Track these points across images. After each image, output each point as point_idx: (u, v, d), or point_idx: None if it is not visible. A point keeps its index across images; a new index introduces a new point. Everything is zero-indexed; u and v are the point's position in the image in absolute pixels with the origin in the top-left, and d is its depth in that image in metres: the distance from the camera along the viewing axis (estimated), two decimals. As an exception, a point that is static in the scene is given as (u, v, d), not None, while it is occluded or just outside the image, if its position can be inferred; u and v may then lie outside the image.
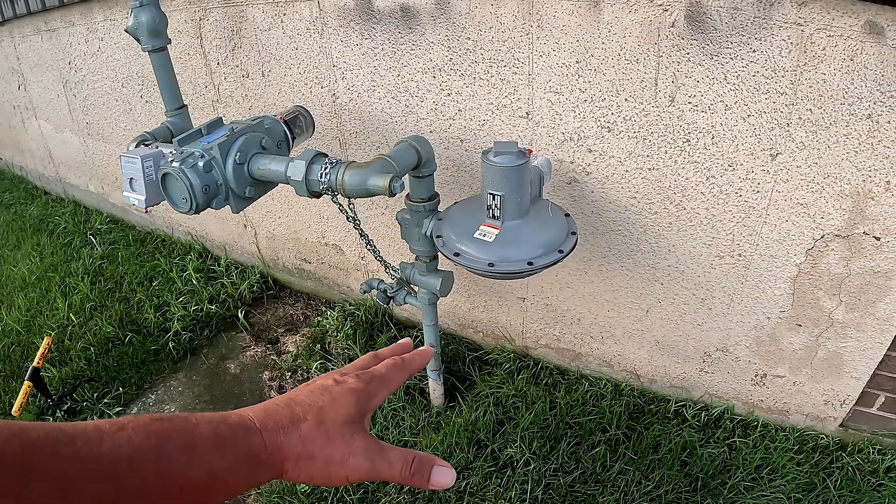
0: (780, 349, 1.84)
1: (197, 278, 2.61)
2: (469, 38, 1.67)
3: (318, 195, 1.52)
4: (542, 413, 1.95)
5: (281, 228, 2.47)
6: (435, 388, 2.01)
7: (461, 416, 1.95)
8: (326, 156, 1.54)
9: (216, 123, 1.71)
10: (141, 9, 1.68)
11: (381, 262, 1.71)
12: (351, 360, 2.28)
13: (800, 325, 1.77)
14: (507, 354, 2.15)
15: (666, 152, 1.62)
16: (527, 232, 1.47)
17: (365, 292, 1.83)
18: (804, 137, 1.49)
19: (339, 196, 1.49)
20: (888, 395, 1.86)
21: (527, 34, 1.60)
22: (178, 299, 2.56)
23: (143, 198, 1.62)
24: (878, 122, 1.41)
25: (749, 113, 1.50)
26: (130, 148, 1.72)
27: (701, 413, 1.98)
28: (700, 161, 1.60)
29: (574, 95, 1.63)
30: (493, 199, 1.46)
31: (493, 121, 1.76)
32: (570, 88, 1.62)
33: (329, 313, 2.44)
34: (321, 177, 1.47)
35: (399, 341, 0.64)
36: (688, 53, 1.48)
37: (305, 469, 0.47)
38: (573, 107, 1.64)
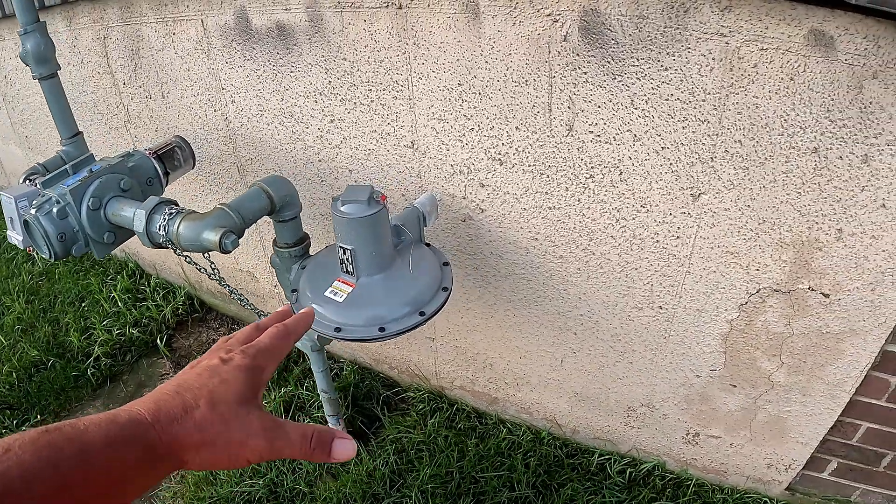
0: (713, 409, 1.43)
1: (125, 299, 2.28)
2: (345, 59, 1.28)
3: (163, 247, 1.16)
4: (446, 464, 1.57)
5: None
6: (337, 435, 1.64)
7: (360, 465, 1.59)
8: (172, 204, 1.17)
9: (85, 161, 1.36)
10: (27, 35, 1.32)
11: (252, 310, 1.34)
12: (267, 391, 1.93)
13: (734, 386, 1.36)
14: (423, 394, 1.77)
15: (567, 189, 1.21)
16: (384, 290, 1.09)
17: (257, 311, 1.47)
18: (732, 175, 1.07)
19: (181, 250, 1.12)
20: (841, 461, 1.44)
21: (403, 53, 1.20)
22: (103, 322, 2.23)
23: (21, 238, 1.30)
24: (826, 158, 0.99)
25: (663, 145, 1.09)
26: (19, 182, 1.40)
27: (628, 469, 1.58)
28: (608, 200, 1.19)
29: (459, 123, 1.23)
30: (345, 252, 1.07)
31: (378, 150, 1.37)
32: (455, 115, 1.22)
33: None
34: (160, 228, 1.11)
35: (278, 309, 0.57)
36: (585, 73, 1.07)
37: (206, 456, 0.41)
38: (460, 136, 1.24)
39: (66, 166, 1.25)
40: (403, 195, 1.40)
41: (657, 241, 1.21)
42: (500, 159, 1.23)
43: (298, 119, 1.44)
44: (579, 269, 1.31)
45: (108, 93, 1.88)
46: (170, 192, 2.00)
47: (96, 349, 2.14)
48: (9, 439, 0.36)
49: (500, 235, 1.33)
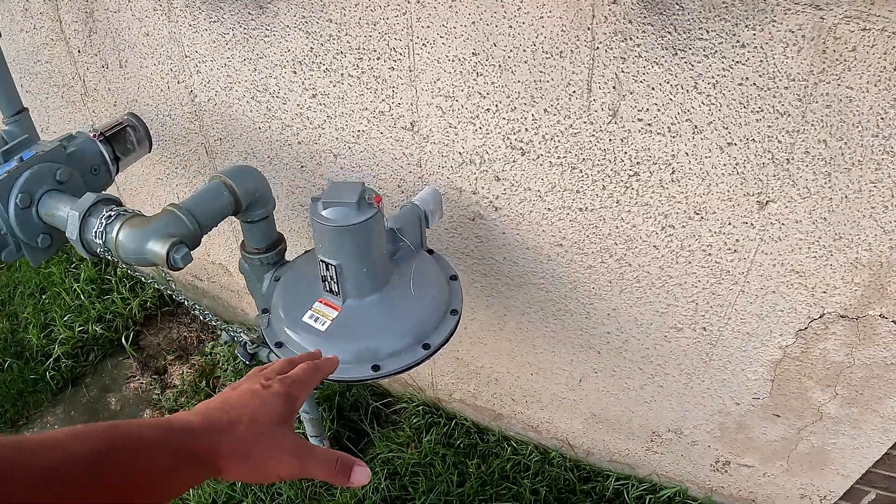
0: (750, 438, 1.24)
1: (88, 291, 2.02)
2: (331, 21, 1.02)
3: (104, 259, 0.92)
4: (445, 491, 1.38)
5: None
6: (320, 455, 1.44)
7: (347, 491, 1.39)
8: (112, 203, 0.93)
9: (20, 146, 1.10)
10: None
11: (217, 325, 1.11)
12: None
13: (778, 416, 1.18)
14: (417, 406, 1.56)
15: (604, 188, 0.98)
16: (378, 315, 0.86)
17: (226, 343, 1.25)
18: (810, 181, 0.86)
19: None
20: (881, 492, 1.28)
21: (404, 13, 0.95)
22: (64, 317, 1.98)
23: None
24: (927, 165, 0.78)
25: (730, 140, 0.86)
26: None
27: (647, 495, 1.40)
28: (654, 204, 0.97)
29: (473, 102, 0.98)
30: (328, 268, 0.84)
31: (370, 132, 1.12)
32: (467, 92, 0.98)
33: (224, 338, 1.87)
34: (96, 235, 0.87)
35: (311, 351, 0.64)
36: (638, 45, 0.84)
37: (241, 467, 0.45)
38: (472, 117, 1.00)
39: (-6, 155, 0.99)
40: (399, 187, 1.16)
41: (709, 254, 1.00)
42: (521, 148, 0.99)
43: (274, 93, 1.18)
44: (611, 282, 1.09)
45: (63, 62, 1.59)
46: (126, 178, 1.74)
47: (56, 348, 1.89)
48: (79, 427, 0.40)
49: (516, 239, 1.11)
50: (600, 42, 0.86)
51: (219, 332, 1.17)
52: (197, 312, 1.05)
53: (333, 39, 1.04)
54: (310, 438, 1.41)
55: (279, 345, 0.86)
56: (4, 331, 2.00)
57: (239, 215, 0.96)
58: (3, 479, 0.34)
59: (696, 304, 1.07)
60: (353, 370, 0.80)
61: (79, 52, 1.53)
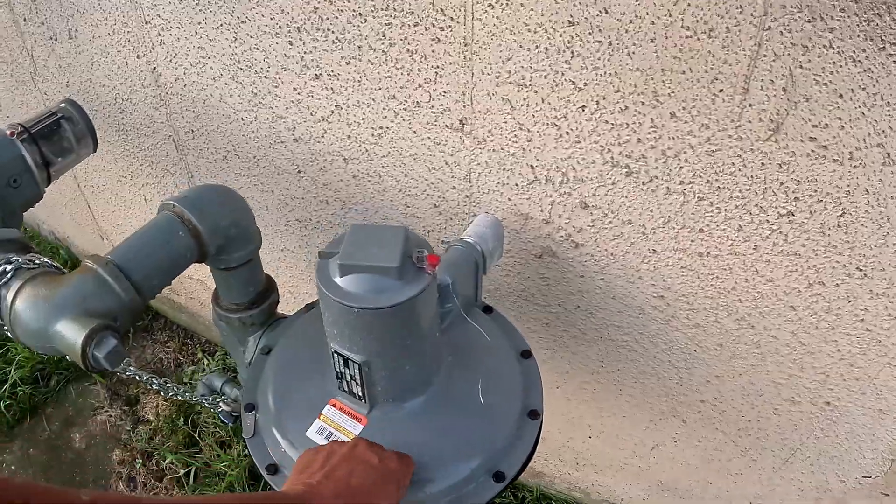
0: (851, 517, 1.00)
1: None
2: (348, -39, 0.69)
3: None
4: (476, 570, 1.11)
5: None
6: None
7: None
8: (14, 247, 0.62)
9: None
10: None
11: (172, 393, 0.80)
12: (221, 444, 1.41)
13: (886, 496, 0.95)
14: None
15: (740, 229, 0.68)
16: (426, 433, 0.57)
17: (202, 397, 0.94)
18: None
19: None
20: None
21: (463, -45, 0.62)
22: None
23: None
24: None
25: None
26: None
27: (712, 569, 1.15)
28: (804, 254, 0.68)
29: (560, 95, 0.66)
30: (347, 365, 0.53)
31: (398, 129, 0.80)
32: (553, 79, 0.66)
33: (205, 364, 1.55)
34: None
35: None
36: (830, 30, 0.54)
37: None
38: (557, 117, 0.68)
39: None
40: (436, 207, 0.85)
41: (862, 319, 0.72)
42: (627, 166, 0.68)
43: (262, 72, 0.85)
44: (720, 346, 0.81)
45: (9, 33, 1.22)
46: (86, 174, 1.39)
47: (13, 372, 1.57)
48: (213, 499, 0.44)
49: (598, 285, 0.81)
50: (775, 19, 0.55)
51: (185, 396, 0.86)
52: (173, 393, 0.74)
53: (351, -4, 0.71)
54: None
55: (272, 469, 0.56)
56: None
57: (207, 261, 0.65)
58: None
59: (827, 375, 0.80)
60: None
61: (24, 20, 1.17)
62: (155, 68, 1.01)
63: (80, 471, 1.46)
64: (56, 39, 1.14)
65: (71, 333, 0.53)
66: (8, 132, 0.86)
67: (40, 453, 1.51)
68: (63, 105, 0.94)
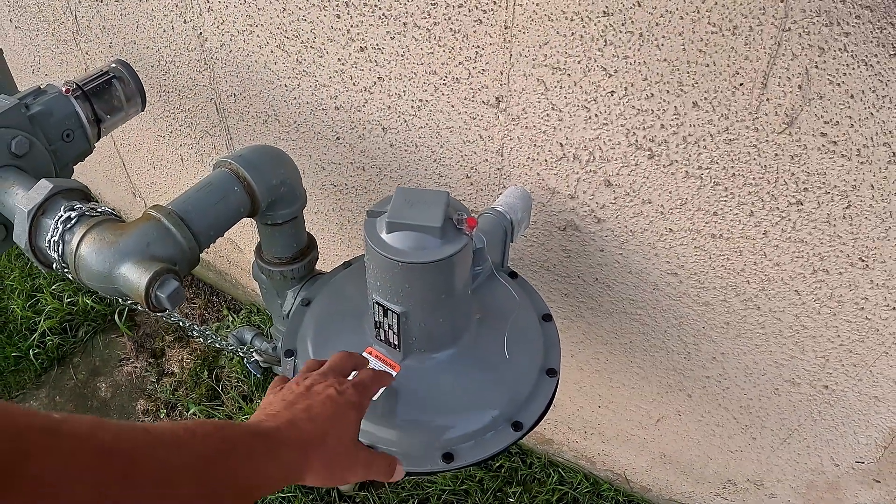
0: (838, 499, 1.11)
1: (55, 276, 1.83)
2: (400, -58, 0.77)
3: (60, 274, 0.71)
4: (482, 528, 1.24)
5: (169, 203, 1.64)
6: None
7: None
8: (77, 197, 0.71)
9: None
10: None
11: (210, 340, 0.91)
12: (244, 397, 1.54)
13: (878, 482, 1.04)
14: (449, 419, 1.40)
15: (752, 214, 0.77)
16: (454, 381, 0.67)
17: (232, 351, 1.05)
18: None
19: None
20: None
21: (510, -56, 0.70)
22: (52, 285, 1.78)
23: None
24: None
25: (940, 170, 0.65)
26: None
27: (707, 542, 1.27)
28: (811, 242, 0.76)
29: (591, 80, 0.75)
30: (386, 314, 0.64)
31: (437, 103, 0.89)
32: (585, 65, 0.74)
33: (230, 321, 1.67)
34: (51, 244, 0.66)
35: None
36: (846, 35, 0.62)
37: (321, 478, 0.50)
38: (587, 100, 0.77)
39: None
40: (468, 177, 0.94)
41: (862, 308, 0.81)
42: (650, 149, 0.77)
43: (308, 42, 0.94)
44: (727, 324, 0.90)
45: None
46: (123, 133, 1.49)
47: (42, 322, 1.71)
48: (193, 425, 0.42)
49: (617, 259, 0.90)
50: (794, 21, 0.63)
51: (215, 345, 0.97)
52: (196, 333, 0.86)
53: (399, -25, 0.80)
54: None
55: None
56: None
57: (256, 217, 0.75)
58: (137, 469, 0.37)
59: (827, 360, 0.89)
60: (417, 459, 0.62)
61: (69, -20, 1.26)
62: (201, 33, 1.10)
63: (105, 418, 1.60)
64: (102, 1, 1.24)
65: (135, 276, 0.63)
66: (63, 89, 0.96)
67: (66, 401, 1.66)
68: (114, 65, 1.04)
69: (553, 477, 1.33)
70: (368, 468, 0.53)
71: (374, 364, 0.66)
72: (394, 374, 0.65)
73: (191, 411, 1.52)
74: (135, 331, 1.74)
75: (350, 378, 0.57)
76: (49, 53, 1.50)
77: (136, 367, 1.67)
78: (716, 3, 0.65)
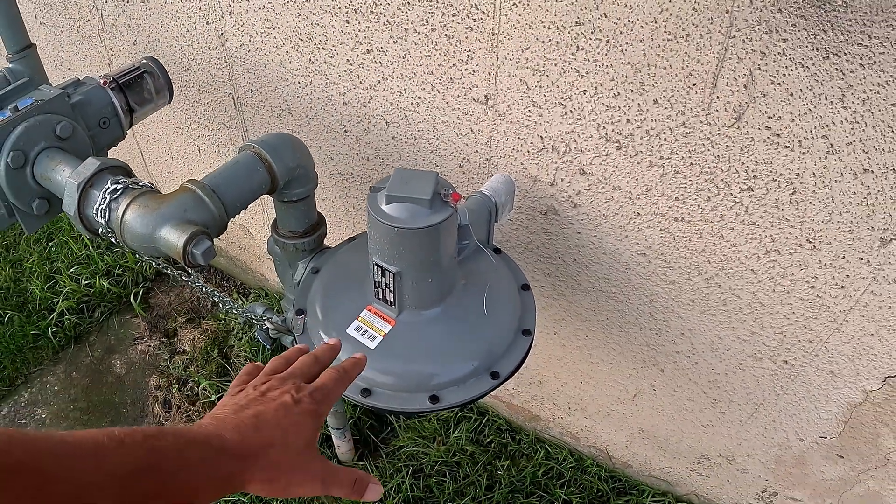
0: (805, 474, 1.20)
1: (97, 241, 1.95)
2: (402, -43, 0.89)
3: (105, 240, 0.83)
4: (473, 494, 1.34)
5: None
6: (340, 445, 1.40)
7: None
8: (121, 172, 0.83)
9: (17, 91, 0.99)
10: None
11: (228, 306, 1.03)
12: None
13: (841, 457, 1.13)
14: (445, 398, 1.51)
15: (709, 199, 0.88)
16: (440, 333, 0.78)
17: (246, 321, 1.17)
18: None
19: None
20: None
21: (496, -39, 0.82)
22: (70, 268, 1.92)
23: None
24: None
25: (867, 167, 0.77)
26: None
27: (684, 515, 1.37)
28: (763, 224, 0.87)
29: (567, 80, 0.87)
30: (384, 274, 0.75)
31: (432, 100, 1.01)
32: (562, 67, 0.86)
33: (239, 303, 1.80)
34: (98, 212, 0.78)
35: (328, 341, 0.62)
36: (784, 41, 0.72)
37: (267, 489, 0.48)
38: (563, 98, 0.89)
39: (-15, 100, 0.89)
40: (461, 167, 1.06)
41: (812, 286, 0.91)
42: (618, 141, 0.88)
43: (320, 44, 1.06)
44: (693, 301, 1.01)
45: None
46: (143, 124, 1.62)
47: (60, 302, 1.84)
48: (121, 433, 0.40)
49: (592, 241, 1.01)
50: (739, 30, 0.74)
51: (233, 312, 1.09)
52: (214, 297, 0.97)
53: (401, -14, 0.91)
54: (331, 430, 1.36)
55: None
56: (7, 279, 1.94)
57: (274, 194, 0.87)
58: (49, 486, 0.35)
59: (784, 336, 1.00)
60: (407, 399, 0.73)
61: (97, -20, 1.39)
62: (222, 34, 1.22)
63: (119, 392, 1.72)
64: (128, 1, 1.37)
65: (174, 236, 0.75)
66: (101, 81, 1.09)
67: (82, 376, 1.78)
68: (145, 61, 1.17)
69: (540, 452, 1.44)
70: (325, 482, 0.50)
71: (374, 323, 0.78)
72: (388, 328, 0.77)
73: (201, 385, 1.64)
74: (149, 312, 1.87)
75: (311, 384, 0.54)
76: (73, 48, 1.63)
77: (150, 345, 1.79)
78: (671, 15, 0.76)
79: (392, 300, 0.77)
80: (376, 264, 0.75)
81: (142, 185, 0.83)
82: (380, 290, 0.77)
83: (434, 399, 0.73)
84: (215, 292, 1.03)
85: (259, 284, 1.82)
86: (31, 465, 0.35)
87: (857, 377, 0.98)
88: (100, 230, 0.79)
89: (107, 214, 0.76)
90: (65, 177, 0.84)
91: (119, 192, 0.78)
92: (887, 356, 0.93)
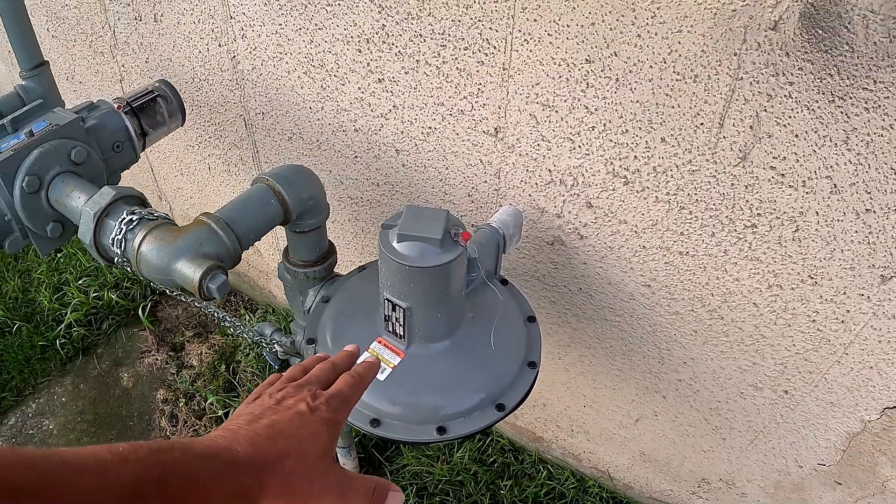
0: (804, 499, 1.21)
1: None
2: (415, -7, 0.90)
3: (119, 268, 0.84)
4: (475, 516, 1.35)
5: (194, 210, 1.78)
6: (345, 463, 1.41)
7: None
8: (136, 202, 0.84)
9: (32, 113, 1.00)
10: None
11: (238, 330, 1.04)
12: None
13: (840, 484, 1.14)
14: (448, 416, 1.52)
15: (713, 235, 0.89)
16: (448, 367, 0.79)
17: (255, 342, 1.18)
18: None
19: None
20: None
21: (506, 0, 0.83)
22: (79, 280, 1.93)
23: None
24: None
25: (870, 207, 0.77)
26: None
27: (684, 538, 1.37)
28: (766, 260, 0.88)
29: (576, 116, 0.88)
30: (395, 309, 0.76)
31: (443, 130, 1.02)
32: (571, 103, 0.87)
33: (247, 320, 1.80)
34: (114, 242, 0.79)
35: (346, 348, 0.60)
36: (790, 84, 0.73)
37: (283, 501, 0.45)
38: (572, 133, 0.90)
39: (5, 121, 0.90)
40: (470, 196, 1.07)
41: (813, 320, 0.92)
42: (625, 177, 0.89)
43: (332, 71, 1.07)
44: (695, 332, 1.02)
45: (92, 9, 1.46)
46: (154, 146, 1.63)
47: (69, 314, 1.85)
48: (125, 449, 0.39)
49: (598, 272, 1.02)
50: (746, 72, 0.75)
51: (242, 335, 1.10)
52: (227, 325, 0.98)
53: (412, 18, 0.93)
54: (337, 449, 1.36)
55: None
56: (15, 289, 1.95)
57: (287, 225, 0.88)
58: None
59: (785, 367, 1.00)
60: (415, 430, 0.74)
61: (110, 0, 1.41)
62: (234, 56, 1.23)
63: (126, 405, 1.73)
64: (140, 20, 1.38)
65: (190, 270, 0.76)
66: (115, 106, 1.10)
67: (90, 388, 1.78)
68: (158, 84, 1.18)
69: (542, 473, 1.44)
70: (342, 496, 0.48)
71: (384, 355, 0.78)
72: (398, 360, 0.78)
73: (209, 400, 1.65)
74: (156, 325, 1.87)
75: (327, 391, 0.52)
76: (85, 63, 1.65)
77: (157, 359, 1.80)
78: (679, 55, 0.77)
79: (402, 333, 0.78)
80: (387, 299, 0.76)
81: (157, 216, 0.84)
82: (390, 323, 0.78)
83: (441, 430, 0.74)
84: (227, 317, 1.04)
85: (267, 301, 1.83)
86: (31, 489, 0.34)
87: (855, 408, 0.99)
88: (115, 259, 0.79)
89: (123, 245, 0.77)
90: (80, 204, 0.85)
91: (135, 223, 0.79)
92: (886, 388, 0.94)
